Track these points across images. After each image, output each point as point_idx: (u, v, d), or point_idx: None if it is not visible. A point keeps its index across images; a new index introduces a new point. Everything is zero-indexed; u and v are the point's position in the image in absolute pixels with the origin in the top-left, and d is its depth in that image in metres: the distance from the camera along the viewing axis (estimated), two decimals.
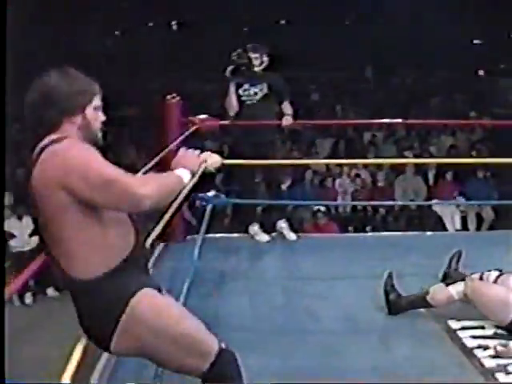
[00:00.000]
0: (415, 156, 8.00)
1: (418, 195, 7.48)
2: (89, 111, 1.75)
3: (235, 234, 4.71)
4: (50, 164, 1.63)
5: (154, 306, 1.73)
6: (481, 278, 3.10)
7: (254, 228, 4.47)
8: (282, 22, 15.21)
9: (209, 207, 4.02)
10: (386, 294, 3.16)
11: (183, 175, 1.79)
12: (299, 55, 12.33)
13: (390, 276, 3.22)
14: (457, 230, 7.14)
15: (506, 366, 2.62)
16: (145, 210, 1.65)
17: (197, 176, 1.89)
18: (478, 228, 7.51)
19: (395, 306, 3.13)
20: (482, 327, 2.97)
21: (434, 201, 7.33)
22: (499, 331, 2.92)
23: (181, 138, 3.82)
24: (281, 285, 3.50)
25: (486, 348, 2.78)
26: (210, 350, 1.77)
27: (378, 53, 13.46)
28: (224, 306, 3.14)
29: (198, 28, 14.08)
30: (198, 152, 1.95)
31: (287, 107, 4.41)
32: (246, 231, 4.48)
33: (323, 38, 13.49)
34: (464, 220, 7.57)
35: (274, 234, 4.46)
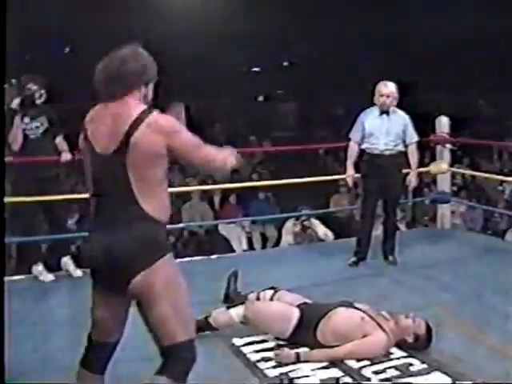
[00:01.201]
0: (200, 182, 8.31)
1: (205, 220, 7.77)
2: (150, 87, 2.11)
3: (19, 276, 4.49)
4: (153, 129, 2.00)
5: (174, 269, 2.12)
6: (258, 298, 3.37)
7: (38, 268, 4.33)
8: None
9: None
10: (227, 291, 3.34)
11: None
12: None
13: (234, 273, 3.36)
14: (244, 251, 7.53)
15: (287, 373, 2.88)
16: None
17: None
18: (264, 246, 8.01)
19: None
20: (265, 341, 3.21)
21: (219, 221, 7.68)
22: (281, 342, 3.18)
23: None
24: (68, 324, 3.43)
25: (268, 360, 3.01)
26: (192, 329, 2.15)
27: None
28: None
29: None
30: None
31: (61, 143, 4.41)
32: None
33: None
34: (250, 240, 8.03)
35: (59, 273, 4.37)
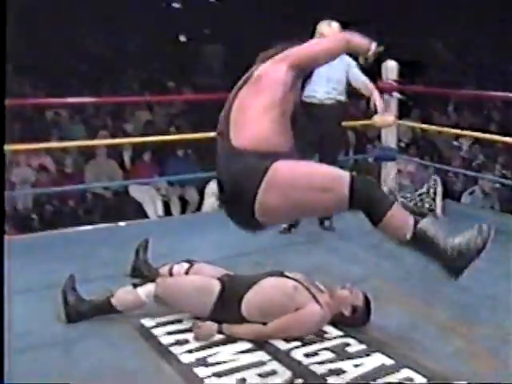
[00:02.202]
0: (110, 136, 8.13)
1: (113, 181, 7.64)
2: None
3: None
4: None
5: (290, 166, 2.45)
6: (171, 274, 3.35)
7: None
8: None
9: None
10: (65, 298, 3.21)
11: None
12: None
13: (71, 278, 3.29)
14: (159, 217, 7.48)
15: (205, 358, 2.89)
16: None
17: None
18: (183, 212, 7.98)
19: (76, 312, 3.20)
20: (180, 321, 3.22)
21: (130, 181, 7.57)
22: (200, 323, 3.20)
23: None
24: None
25: (184, 343, 3.02)
26: (340, 175, 2.40)
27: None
28: None
29: None
30: None
31: None
32: None
33: None
34: (167, 205, 7.97)
35: None
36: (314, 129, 4.59)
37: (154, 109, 10.14)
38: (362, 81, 4.74)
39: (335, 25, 4.56)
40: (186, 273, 3.31)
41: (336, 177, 2.40)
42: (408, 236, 2.41)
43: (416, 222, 2.42)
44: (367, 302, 3.18)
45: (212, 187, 6.82)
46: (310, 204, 2.44)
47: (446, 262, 2.46)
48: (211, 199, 6.77)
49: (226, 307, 3.10)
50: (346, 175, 2.38)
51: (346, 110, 4.78)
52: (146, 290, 3.17)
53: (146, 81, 13.23)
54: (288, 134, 2.58)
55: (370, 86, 4.79)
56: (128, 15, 14.51)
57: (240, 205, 2.45)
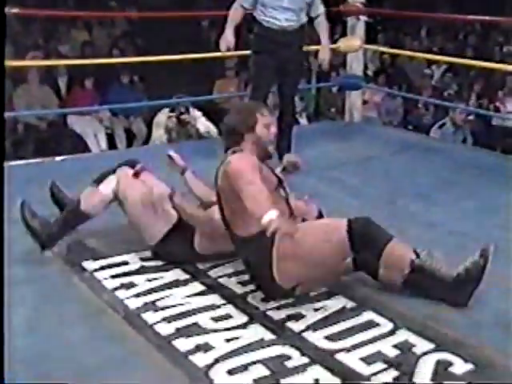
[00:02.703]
0: (43, 58, 7.91)
1: (49, 108, 7.47)
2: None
3: None
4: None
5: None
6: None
7: None
8: None
9: None
10: (28, 227, 3.23)
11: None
12: None
13: (24, 205, 3.28)
14: (102, 151, 7.40)
15: (154, 302, 2.90)
16: None
17: None
18: (129, 145, 7.91)
19: (48, 236, 3.23)
20: (126, 263, 3.23)
21: (68, 110, 7.41)
22: (146, 264, 3.23)
23: None
24: None
25: (130, 286, 3.02)
26: (338, 225, 2.78)
27: None
28: None
29: None
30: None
31: None
32: None
33: None
34: (111, 137, 7.88)
35: None
36: (275, 54, 4.59)
37: (93, 30, 9.85)
38: (319, 20, 4.71)
39: None
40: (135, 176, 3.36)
41: (334, 224, 2.83)
42: (406, 271, 2.79)
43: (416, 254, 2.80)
44: (321, 215, 3.27)
45: (160, 118, 6.76)
46: (319, 256, 2.79)
47: (447, 294, 2.79)
48: (160, 131, 6.70)
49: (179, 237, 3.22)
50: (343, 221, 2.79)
51: (307, 34, 4.74)
52: (109, 186, 3.28)
53: None
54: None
55: (324, 33, 4.74)
56: None
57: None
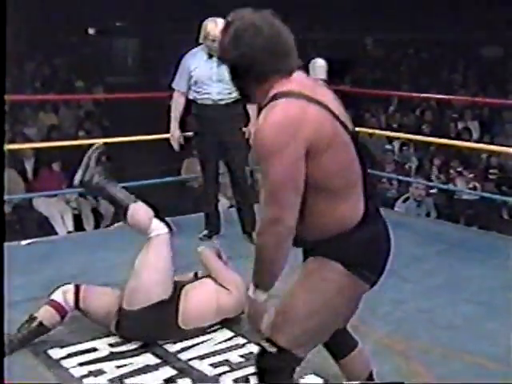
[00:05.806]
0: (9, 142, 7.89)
1: (15, 192, 7.41)
2: None
3: None
4: None
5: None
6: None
7: None
8: None
9: None
10: None
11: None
12: None
13: None
14: (69, 232, 7.32)
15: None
16: None
17: None
18: (97, 226, 7.84)
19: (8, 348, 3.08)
20: (94, 349, 3.16)
21: (33, 194, 7.35)
22: (115, 350, 3.16)
23: None
24: None
25: (99, 374, 2.95)
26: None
27: None
28: None
29: None
30: None
31: None
32: None
33: None
34: (78, 219, 7.80)
35: None
36: (213, 132, 4.63)
37: (59, 111, 9.90)
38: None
39: (220, 22, 4.49)
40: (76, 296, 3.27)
41: None
42: None
43: None
44: None
45: None
46: None
47: None
48: None
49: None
50: None
51: (243, 108, 4.74)
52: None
53: (48, 78, 12.95)
54: None
55: (252, 108, 4.67)
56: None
57: None
